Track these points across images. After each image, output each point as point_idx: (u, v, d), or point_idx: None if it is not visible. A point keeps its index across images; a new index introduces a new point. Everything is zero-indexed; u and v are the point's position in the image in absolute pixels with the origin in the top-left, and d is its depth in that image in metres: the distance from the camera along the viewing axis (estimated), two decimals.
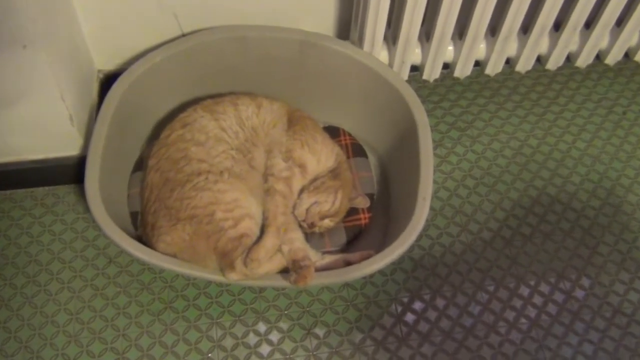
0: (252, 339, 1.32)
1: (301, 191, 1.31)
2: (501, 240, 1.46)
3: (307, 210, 1.28)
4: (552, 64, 1.67)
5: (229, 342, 1.31)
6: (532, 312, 1.37)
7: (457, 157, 1.59)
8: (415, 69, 1.63)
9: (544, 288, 1.40)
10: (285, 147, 1.32)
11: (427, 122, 1.35)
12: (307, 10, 1.48)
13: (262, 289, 1.38)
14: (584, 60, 1.67)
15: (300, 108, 1.44)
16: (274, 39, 1.43)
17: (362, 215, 1.40)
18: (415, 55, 1.56)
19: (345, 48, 1.43)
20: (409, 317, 1.35)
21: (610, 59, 1.70)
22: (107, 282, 1.38)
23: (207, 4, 1.42)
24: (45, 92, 1.27)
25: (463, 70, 1.63)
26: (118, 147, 1.37)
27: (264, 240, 1.19)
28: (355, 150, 1.51)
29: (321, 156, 1.34)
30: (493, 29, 1.56)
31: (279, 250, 1.22)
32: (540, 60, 1.69)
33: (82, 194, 1.37)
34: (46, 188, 1.50)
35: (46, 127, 1.36)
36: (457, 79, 1.70)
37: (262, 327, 1.33)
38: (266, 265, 1.19)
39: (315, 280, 1.18)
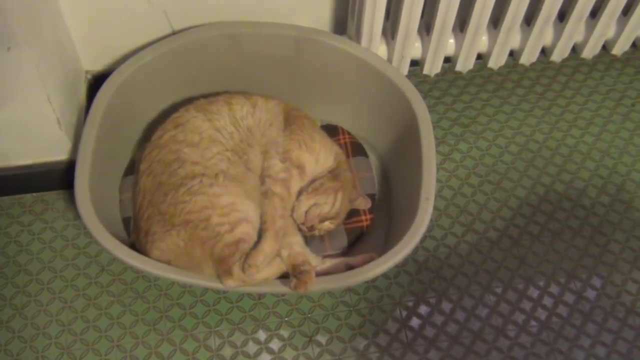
0: (251, 347, 1.32)
1: (299, 193, 1.30)
2: (508, 239, 1.46)
3: (306, 212, 1.28)
4: (557, 56, 1.67)
5: (227, 352, 1.31)
6: (542, 314, 1.36)
7: (461, 154, 1.59)
8: (415, 63, 1.63)
9: (554, 289, 1.39)
10: (282, 148, 1.31)
11: (428, 119, 1.35)
12: (302, 5, 1.48)
13: (261, 296, 1.37)
14: (590, 51, 1.67)
15: (296, 106, 1.43)
16: (268, 36, 1.43)
17: (363, 217, 1.40)
18: (415, 49, 1.56)
19: (342, 43, 1.43)
20: (414, 322, 1.35)
21: (618, 49, 1.70)
22: (100, 291, 1.37)
23: (198, 0, 1.42)
24: (31, 95, 1.26)
25: (465, 63, 1.62)
26: (108, 151, 1.36)
27: (262, 245, 1.19)
28: (354, 149, 1.50)
29: (320, 156, 1.34)
30: (495, 21, 1.56)
31: (278, 255, 1.21)
32: (544, 51, 1.69)
33: (71, 200, 1.37)
34: (34, 194, 1.50)
35: (33, 131, 1.35)
36: (459, 73, 1.70)
37: (262, 335, 1.33)
38: (265, 270, 1.19)
39: (316, 286, 1.18)
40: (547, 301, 1.38)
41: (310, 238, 1.32)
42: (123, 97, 1.38)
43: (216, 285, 1.20)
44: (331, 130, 1.50)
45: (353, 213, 1.39)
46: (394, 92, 1.41)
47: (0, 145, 1.38)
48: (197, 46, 1.42)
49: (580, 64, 1.75)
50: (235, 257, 1.18)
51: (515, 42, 1.61)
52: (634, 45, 1.73)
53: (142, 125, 1.49)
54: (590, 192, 1.53)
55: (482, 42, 1.59)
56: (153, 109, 1.49)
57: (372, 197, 1.42)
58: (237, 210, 1.20)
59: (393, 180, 1.47)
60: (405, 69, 1.58)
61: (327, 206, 1.29)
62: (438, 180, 1.53)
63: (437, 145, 1.59)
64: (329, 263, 1.26)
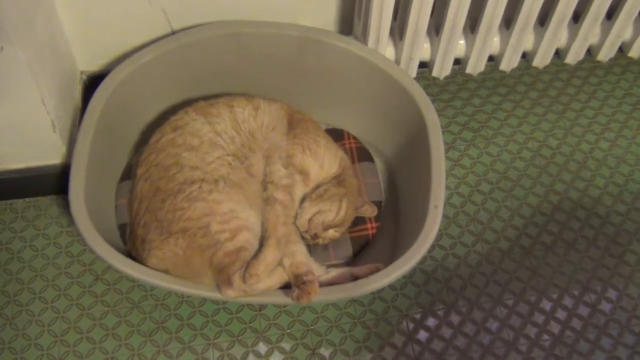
0: None
1: (303, 200, 1.31)
2: (520, 250, 1.45)
3: (310, 220, 1.28)
4: (571, 58, 1.68)
5: None
6: (555, 328, 1.36)
7: (471, 160, 1.58)
8: (424, 65, 1.63)
9: (568, 301, 1.39)
10: (285, 152, 1.31)
11: (437, 123, 1.35)
12: (306, 4, 1.48)
13: (262, 307, 1.37)
14: (605, 53, 1.67)
15: (300, 109, 1.43)
16: (270, 36, 1.43)
17: (369, 225, 1.40)
18: (424, 50, 1.57)
19: (348, 44, 1.43)
20: (422, 335, 1.35)
21: (635, 52, 1.70)
22: (94, 301, 1.37)
23: None
24: (24, 97, 1.26)
25: (476, 66, 1.62)
26: (104, 155, 1.36)
27: (264, 254, 1.18)
28: (360, 154, 1.50)
29: (324, 161, 1.34)
30: (508, 21, 1.56)
31: (280, 264, 1.21)
32: (558, 54, 1.70)
33: (65, 205, 1.37)
34: (27, 200, 1.50)
35: (26, 134, 1.35)
36: (470, 75, 1.70)
37: (262, 348, 1.33)
38: (266, 280, 1.18)
39: (320, 297, 1.17)
40: (561, 314, 1.37)
41: (313, 247, 1.32)
42: (120, 98, 1.38)
43: (215, 295, 1.19)
44: (336, 135, 1.50)
45: (358, 221, 1.38)
46: (402, 95, 1.40)
47: None
48: (197, 46, 1.43)
49: (596, 66, 1.75)
50: (235, 266, 1.17)
51: (528, 43, 1.61)
52: None
53: (139, 128, 1.49)
54: (605, 201, 1.52)
55: (494, 44, 1.59)
56: (151, 111, 1.49)
57: (378, 204, 1.42)
58: (238, 218, 1.20)
59: (400, 187, 1.47)
60: (414, 71, 1.58)
61: (332, 213, 1.29)
62: (447, 187, 1.53)
63: (447, 150, 1.59)
64: (333, 273, 1.26)
